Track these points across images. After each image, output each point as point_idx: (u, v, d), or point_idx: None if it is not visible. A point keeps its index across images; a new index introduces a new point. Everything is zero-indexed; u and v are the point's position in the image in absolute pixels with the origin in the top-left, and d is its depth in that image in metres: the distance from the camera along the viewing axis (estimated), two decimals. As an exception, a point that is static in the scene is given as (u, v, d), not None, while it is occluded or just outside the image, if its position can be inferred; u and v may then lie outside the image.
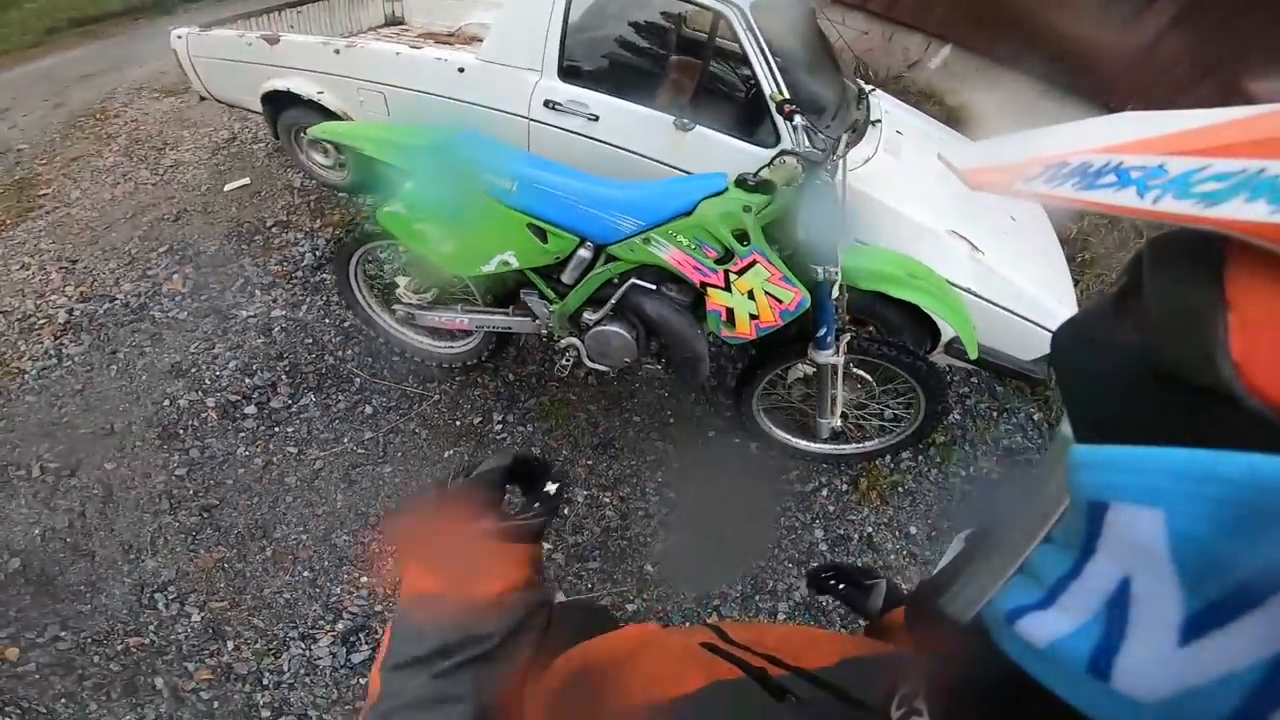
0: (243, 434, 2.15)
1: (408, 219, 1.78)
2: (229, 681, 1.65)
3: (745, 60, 2.20)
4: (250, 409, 2.21)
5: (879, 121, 2.38)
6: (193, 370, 2.34)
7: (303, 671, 1.66)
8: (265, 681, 1.65)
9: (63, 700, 1.61)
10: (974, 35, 4.07)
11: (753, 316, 1.71)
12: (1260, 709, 0.19)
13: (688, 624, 1.77)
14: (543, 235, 1.75)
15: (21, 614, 1.75)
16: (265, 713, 1.60)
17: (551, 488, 0.58)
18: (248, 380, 2.30)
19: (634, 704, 0.44)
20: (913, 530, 2.07)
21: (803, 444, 2.14)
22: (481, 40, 3.28)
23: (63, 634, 1.72)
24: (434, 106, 2.50)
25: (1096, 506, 0.23)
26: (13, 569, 1.84)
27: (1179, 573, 0.20)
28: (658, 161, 2.32)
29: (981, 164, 0.43)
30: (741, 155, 2.19)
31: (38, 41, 6.15)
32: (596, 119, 2.33)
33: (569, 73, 2.37)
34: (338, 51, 2.63)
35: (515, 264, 1.79)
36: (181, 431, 2.16)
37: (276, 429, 2.16)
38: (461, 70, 2.45)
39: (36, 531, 1.92)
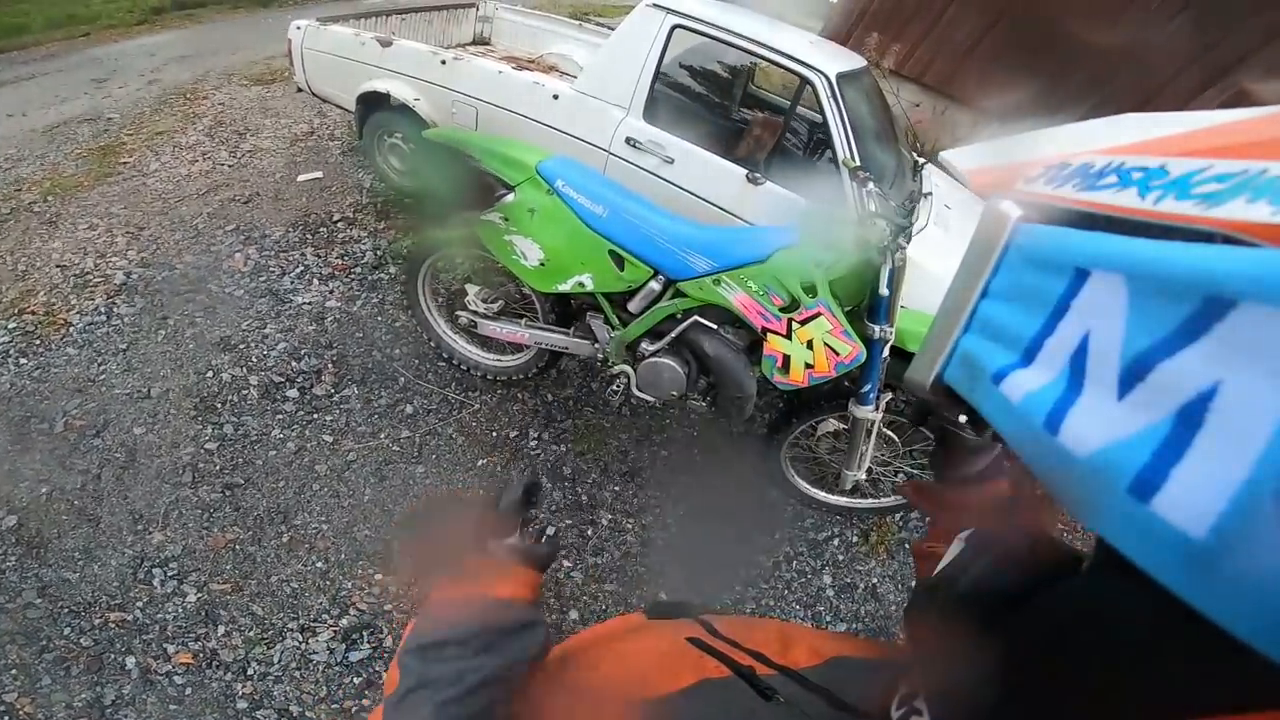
0: (280, 416, 2.15)
1: (499, 229, 1.83)
2: (210, 668, 1.57)
3: (822, 125, 2.27)
4: (292, 392, 2.22)
5: (930, 194, 2.43)
6: (241, 346, 2.37)
7: (294, 665, 1.59)
8: (250, 672, 1.57)
9: (13, 672, 1.51)
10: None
11: (808, 365, 1.73)
12: (1164, 464, 0.20)
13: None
14: (620, 263, 1.79)
15: (0, 576, 1.68)
16: (242, 704, 1.51)
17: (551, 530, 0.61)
18: (294, 364, 2.32)
19: (622, 698, 0.45)
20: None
21: (821, 495, 2.16)
22: (559, 70, 3.40)
23: (37, 600, 1.64)
24: (523, 128, 2.61)
25: (1081, 273, 0.27)
26: (7, 526, 1.78)
27: (1127, 327, 0.24)
28: (724, 210, 2.38)
29: (984, 165, 0.46)
30: (807, 214, 2.24)
31: (144, 19, 6.57)
32: (672, 161, 2.41)
33: (652, 114, 2.46)
34: (444, 62, 2.76)
35: (590, 287, 1.83)
36: (219, 405, 2.17)
37: (315, 416, 2.17)
38: (556, 97, 2.57)
39: (44, 490, 1.87)
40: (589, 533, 2.01)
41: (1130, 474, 0.22)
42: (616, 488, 2.14)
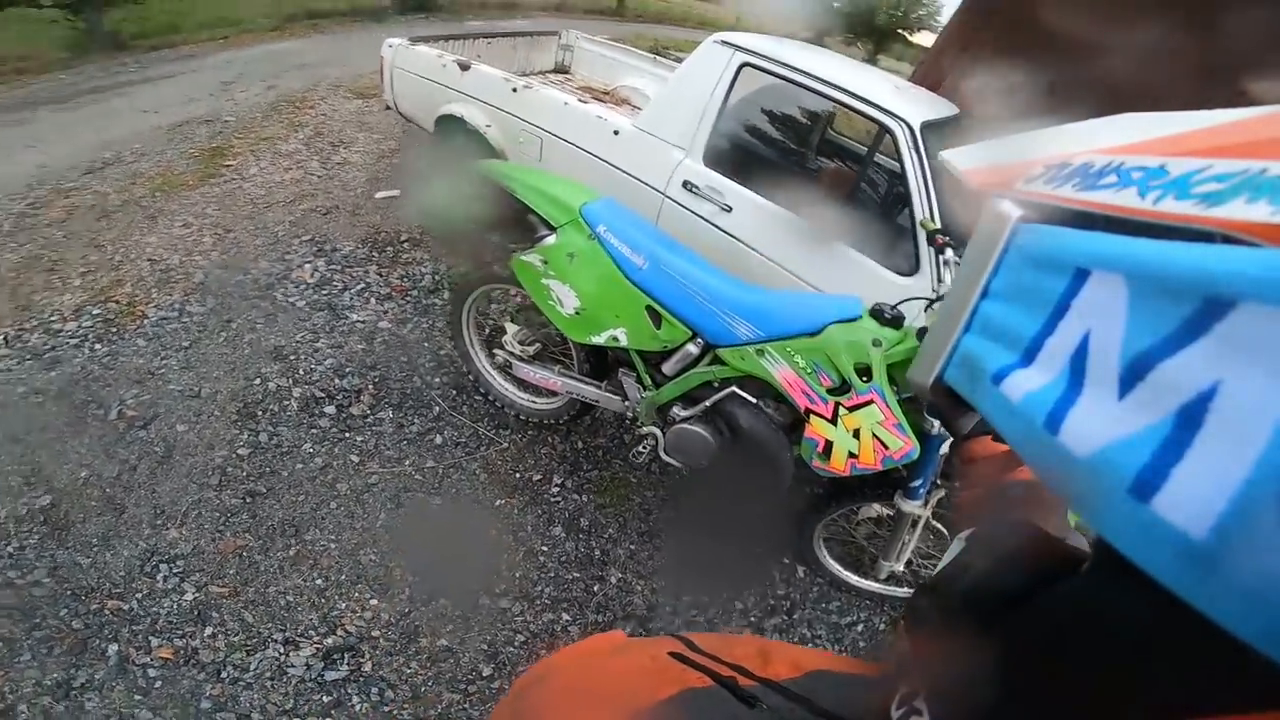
0: (314, 431, 2.18)
1: (537, 272, 1.78)
2: (186, 665, 1.57)
3: (900, 178, 2.10)
4: (330, 409, 2.25)
5: None
6: (292, 357, 2.43)
7: (268, 674, 1.58)
8: (223, 675, 1.57)
9: (-1, 644, 1.56)
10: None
11: (851, 455, 1.55)
12: (1164, 464, 0.20)
13: None
14: (657, 320, 1.69)
15: (20, 552, 1.73)
16: (206, 704, 1.50)
17: None
18: (337, 381, 2.35)
19: (608, 709, 0.46)
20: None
21: (853, 579, 2.00)
22: (631, 103, 3.33)
23: (45, 580, 1.68)
24: (583, 162, 2.55)
25: (1081, 272, 0.28)
26: (39, 506, 1.84)
27: (1127, 327, 0.24)
28: (782, 267, 2.23)
29: (983, 164, 0.45)
30: (872, 278, 2.06)
31: (277, 26, 7.15)
32: (730, 210, 2.29)
33: (713, 158, 2.35)
34: (515, 90, 2.74)
35: (624, 342, 1.74)
36: (260, 413, 2.22)
37: (347, 435, 2.18)
38: (617, 133, 2.49)
39: (83, 474, 1.94)
40: (595, 589, 1.91)
41: (1130, 474, 0.22)
42: (632, 546, 2.03)
